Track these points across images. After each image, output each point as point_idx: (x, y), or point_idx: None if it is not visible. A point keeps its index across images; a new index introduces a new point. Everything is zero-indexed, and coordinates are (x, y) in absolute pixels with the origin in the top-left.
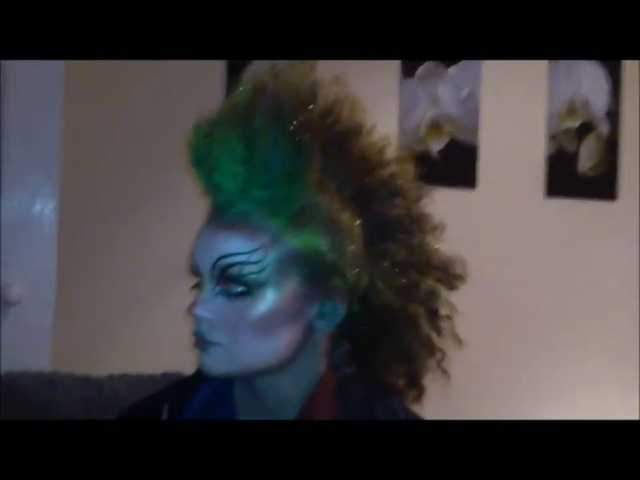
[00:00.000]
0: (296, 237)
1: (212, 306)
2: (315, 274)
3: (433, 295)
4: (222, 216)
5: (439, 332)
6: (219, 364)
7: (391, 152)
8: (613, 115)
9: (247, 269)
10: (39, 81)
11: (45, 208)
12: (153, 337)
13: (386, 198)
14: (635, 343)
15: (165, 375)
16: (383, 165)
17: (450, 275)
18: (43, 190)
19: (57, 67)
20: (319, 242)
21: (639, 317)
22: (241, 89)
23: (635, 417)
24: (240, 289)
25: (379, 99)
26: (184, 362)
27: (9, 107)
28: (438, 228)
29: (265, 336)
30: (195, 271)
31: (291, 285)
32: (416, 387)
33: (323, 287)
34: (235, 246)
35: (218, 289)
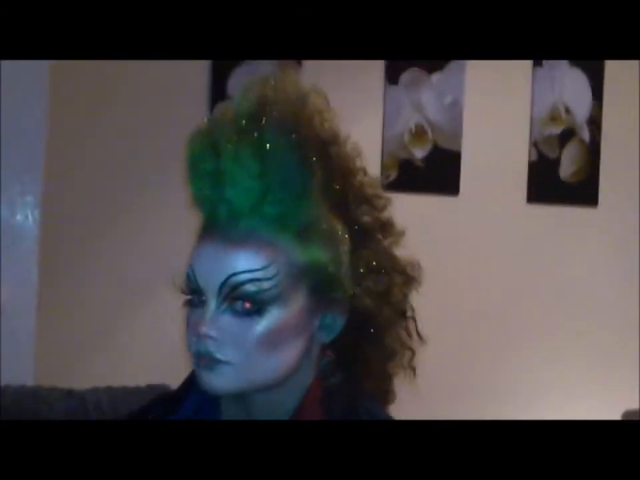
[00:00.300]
0: (303, 252)
1: (219, 324)
2: (318, 287)
3: (403, 298)
4: (228, 232)
5: (408, 332)
6: (227, 382)
7: (360, 161)
8: (595, 121)
9: (259, 286)
10: (22, 90)
11: (27, 216)
12: (137, 347)
13: (357, 206)
14: (615, 346)
15: (150, 387)
16: (354, 174)
17: (411, 278)
18: (25, 198)
19: (39, 78)
20: (323, 255)
21: (618, 321)
22: (240, 99)
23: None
24: (251, 306)
25: (363, 106)
26: (169, 373)
27: None
28: (401, 234)
29: (273, 352)
30: (193, 288)
31: (298, 300)
32: (392, 388)
33: (324, 299)
34: (247, 263)
35: (224, 306)
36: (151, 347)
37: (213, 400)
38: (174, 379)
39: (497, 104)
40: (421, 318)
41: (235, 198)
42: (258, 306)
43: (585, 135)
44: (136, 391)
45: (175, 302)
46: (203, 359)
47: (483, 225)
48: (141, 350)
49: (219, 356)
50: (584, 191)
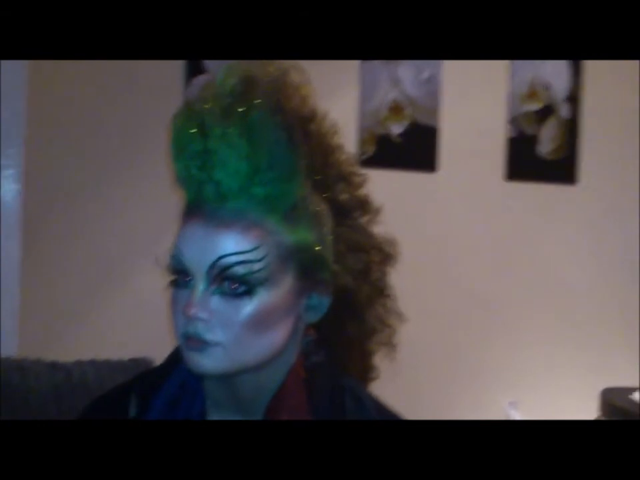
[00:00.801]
0: (291, 233)
1: (208, 306)
2: (306, 268)
3: (382, 276)
4: (215, 213)
5: (387, 310)
6: (217, 364)
7: (338, 138)
8: (574, 98)
9: (249, 268)
10: (3, 67)
11: (8, 192)
12: (120, 321)
13: (335, 184)
14: (592, 326)
15: (133, 361)
16: (332, 152)
17: (388, 255)
18: (6, 174)
19: None
20: (309, 236)
21: (596, 299)
22: (224, 76)
23: (592, 401)
24: (240, 288)
25: (339, 81)
26: (149, 347)
27: None
28: (377, 212)
29: (263, 333)
30: (179, 269)
31: (286, 281)
32: (373, 365)
33: (310, 280)
34: (236, 244)
35: (213, 288)
36: (132, 321)
37: (193, 379)
38: (154, 352)
39: (475, 79)
40: (399, 296)
41: (223, 179)
42: (247, 287)
43: (565, 111)
44: (120, 365)
45: (156, 278)
46: (192, 341)
47: (461, 201)
48: (121, 324)
49: (208, 337)
50: (563, 169)
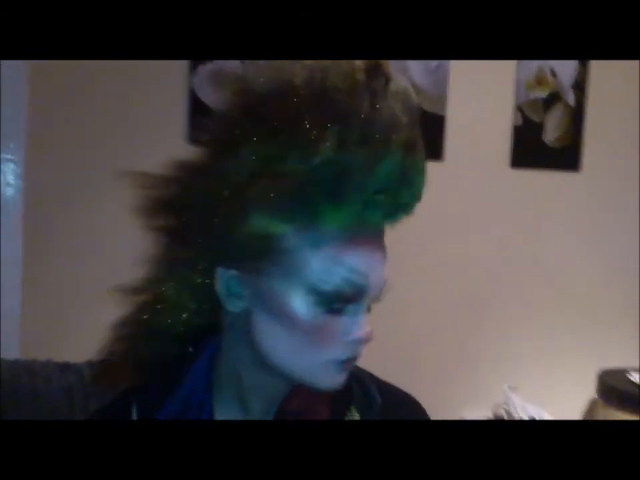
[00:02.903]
0: None
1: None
2: None
3: None
4: (374, 233)
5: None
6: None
7: None
8: (580, 85)
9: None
10: (4, 61)
11: (9, 187)
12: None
13: None
14: (589, 308)
15: None
16: None
17: None
18: (8, 173)
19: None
20: None
21: (600, 285)
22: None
23: (590, 383)
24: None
25: None
26: None
27: None
28: None
29: None
30: (350, 296)
31: None
32: None
33: None
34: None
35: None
36: None
37: (199, 394)
38: None
39: (482, 67)
40: (405, 284)
41: (411, 201)
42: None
43: (571, 99)
44: None
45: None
46: (349, 363)
47: (467, 189)
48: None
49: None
50: (567, 156)
